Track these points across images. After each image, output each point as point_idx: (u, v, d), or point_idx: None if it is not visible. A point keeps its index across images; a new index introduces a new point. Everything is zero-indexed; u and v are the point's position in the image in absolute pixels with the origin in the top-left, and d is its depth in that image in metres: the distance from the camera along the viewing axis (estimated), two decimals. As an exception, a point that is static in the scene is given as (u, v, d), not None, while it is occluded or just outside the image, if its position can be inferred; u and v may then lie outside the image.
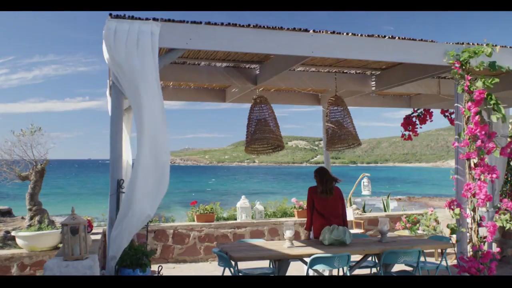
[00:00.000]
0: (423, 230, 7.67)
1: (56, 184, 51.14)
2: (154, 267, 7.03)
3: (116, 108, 3.32)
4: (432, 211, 8.08)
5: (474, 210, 3.86)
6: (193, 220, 7.88)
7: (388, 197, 10.72)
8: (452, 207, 3.84)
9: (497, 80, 4.03)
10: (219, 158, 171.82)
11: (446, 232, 7.48)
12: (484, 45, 4.19)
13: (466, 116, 3.99)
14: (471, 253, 3.86)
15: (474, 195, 3.80)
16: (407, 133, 7.36)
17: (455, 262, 6.60)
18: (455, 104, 4.20)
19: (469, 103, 3.90)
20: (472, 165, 3.90)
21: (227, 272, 4.79)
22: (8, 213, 7.59)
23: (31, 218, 5.75)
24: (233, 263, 4.46)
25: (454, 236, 4.05)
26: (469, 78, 4.01)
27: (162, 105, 3.26)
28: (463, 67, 4.07)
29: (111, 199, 3.30)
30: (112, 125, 3.34)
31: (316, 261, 4.29)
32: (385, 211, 10.15)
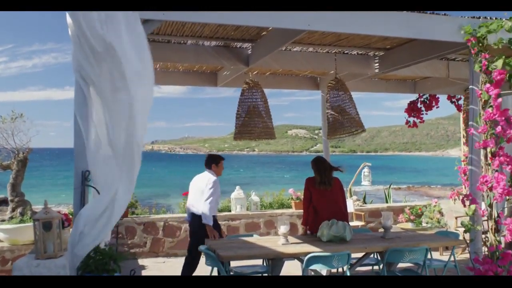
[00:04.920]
0: (427, 223, 7.28)
1: (51, 174, 50.80)
2: (146, 262, 6.71)
3: (79, 90, 2.85)
4: (436, 202, 7.69)
5: (490, 205, 3.42)
6: (185, 212, 7.47)
7: (389, 187, 10.32)
8: (466, 202, 3.39)
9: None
10: (218, 147, 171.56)
11: (451, 224, 7.10)
12: (504, 19, 3.71)
13: (483, 100, 3.53)
14: (487, 253, 3.43)
15: (491, 189, 3.36)
16: (411, 119, 6.92)
17: (462, 257, 6.28)
18: (470, 86, 3.74)
19: (488, 85, 3.43)
20: (489, 154, 3.45)
21: (216, 272, 4.38)
22: (4, 202, 7.25)
23: (13, 209, 5.47)
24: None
25: (462, 231, 3.62)
26: (487, 56, 3.54)
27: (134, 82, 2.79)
28: (480, 44, 3.60)
29: (75, 193, 2.86)
30: (76, 109, 2.87)
31: (312, 260, 3.87)
32: (386, 202, 9.74)
